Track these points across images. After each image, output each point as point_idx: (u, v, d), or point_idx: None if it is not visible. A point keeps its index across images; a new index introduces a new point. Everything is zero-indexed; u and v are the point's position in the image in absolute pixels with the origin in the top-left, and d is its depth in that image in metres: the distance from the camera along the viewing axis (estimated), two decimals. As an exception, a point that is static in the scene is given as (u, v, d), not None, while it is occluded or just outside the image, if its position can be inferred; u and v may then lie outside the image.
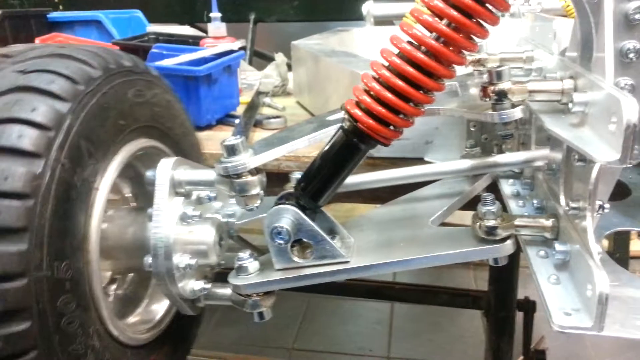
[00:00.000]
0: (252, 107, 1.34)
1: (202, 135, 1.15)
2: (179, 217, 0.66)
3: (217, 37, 1.51)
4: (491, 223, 0.59)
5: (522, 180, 0.76)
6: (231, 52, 1.30)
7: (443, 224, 0.69)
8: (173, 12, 2.42)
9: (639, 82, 0.51)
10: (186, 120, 0.87)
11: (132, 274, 0.81)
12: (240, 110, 1.31)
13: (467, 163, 0.71)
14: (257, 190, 0.61)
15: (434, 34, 0.53)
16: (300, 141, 0.64)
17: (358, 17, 1.88)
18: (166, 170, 0.65)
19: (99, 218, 0.63)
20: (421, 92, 0.56)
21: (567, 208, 0.56)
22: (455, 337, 1.98)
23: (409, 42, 0.55)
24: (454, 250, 0.60)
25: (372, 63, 0.57)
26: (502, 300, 1.39)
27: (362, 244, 0.66)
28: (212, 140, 1.09)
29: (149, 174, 0.67)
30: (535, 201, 0.67)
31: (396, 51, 0.56)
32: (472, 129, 0.88)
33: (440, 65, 0.54)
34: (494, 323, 1.41)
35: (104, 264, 0.71)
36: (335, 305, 2.20)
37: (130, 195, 0.81)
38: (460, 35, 0.53)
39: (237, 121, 1.20)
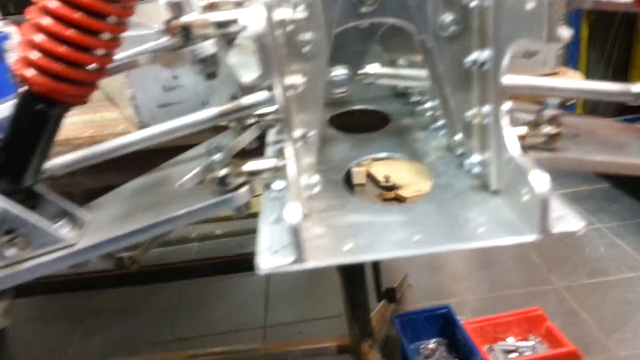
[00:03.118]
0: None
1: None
2: None
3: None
4: (221, 173, 0.55)
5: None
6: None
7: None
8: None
9: None
10: None
11: None
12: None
13: (213, 111, 0.67)
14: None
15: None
16: None
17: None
18: None
19: None
20: (99, 36, 0.50)
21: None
22: (327, 294, 2.01)
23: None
24: (187, 209, 0.55)
25: (29, 9, 0.49)
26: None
27: (100, 222, 0.59)
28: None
29: None
30: (279, 144, 0.64)
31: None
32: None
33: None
34: (344, 273, 1.43)
35: None
36: (210, 286, 2.14)
37: None
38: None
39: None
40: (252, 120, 0.75)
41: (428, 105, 0.68)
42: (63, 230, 0.56)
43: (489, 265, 2.17)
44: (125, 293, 2.11)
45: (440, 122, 0.64)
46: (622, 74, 2.91)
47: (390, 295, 1.60)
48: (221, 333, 1.90)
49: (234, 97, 0.75)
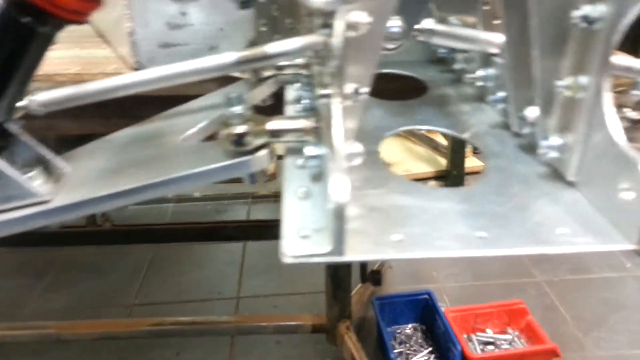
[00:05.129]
0: None
1: None
2: None
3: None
4: (239, 129, 0.45)
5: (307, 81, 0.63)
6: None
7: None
8: None
9: None
10: None
11: None
12: None
13: (229, 57, 0.56)
14: None
15: None
16: None
17: None
18: None
19: None
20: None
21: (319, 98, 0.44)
22: (305, 268, 1.94)
23: None
24: (193, 170, 0.45)
25: None
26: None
27: (81, 176, 0.48)
28: None
29: None
30: (307, 101, 0.54)
31: None
32: (264, 29, 0.72)
33: None
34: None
35: None
36: (185, 251, 2.04)
37: None
38: None
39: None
40: (269, 73, 0.65)
41: (479, 74, 0.59)
42: (35, 182, 0.45)
43: (472, 254, 2.13)
44: (94, 250, 1.99)
45: (501, 94, 0.54)
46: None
47: (375, 277, 1.54)
48: (192, 301, 1.81)
49: (251, 44, 0.64)
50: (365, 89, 0.40)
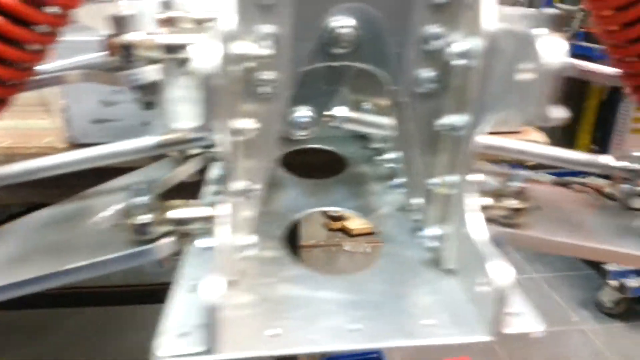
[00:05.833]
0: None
1: None
2: None
3: None
4: (140, 220, 0.47)
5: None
6: None
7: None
8: None
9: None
10: None
11: None
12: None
13: (150, 140, 0.58)
14: None
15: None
16: None
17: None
18: None
19: None
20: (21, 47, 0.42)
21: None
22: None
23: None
24: (91, 260, 0.47)
25: None
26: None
27: (-11, 262, 0.49)
28: None
29: None
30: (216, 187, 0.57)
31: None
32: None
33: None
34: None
35: None
36: (129, 311, 1.98)
37: None
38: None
39: None
40: (196, 151, 0.68)
41: (388, 156, 0.63)
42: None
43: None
44: (36, 310, 1.92)
45: (400, 180, 0.58)
46: (570, 132, 2.99)
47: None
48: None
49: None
50: (258, 187, 0.43)
